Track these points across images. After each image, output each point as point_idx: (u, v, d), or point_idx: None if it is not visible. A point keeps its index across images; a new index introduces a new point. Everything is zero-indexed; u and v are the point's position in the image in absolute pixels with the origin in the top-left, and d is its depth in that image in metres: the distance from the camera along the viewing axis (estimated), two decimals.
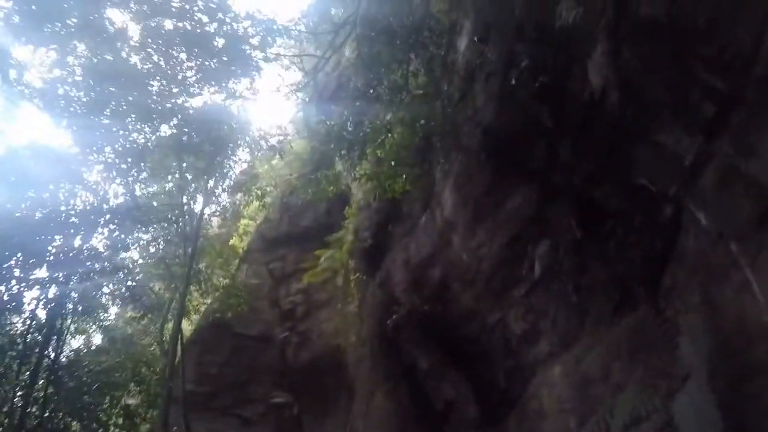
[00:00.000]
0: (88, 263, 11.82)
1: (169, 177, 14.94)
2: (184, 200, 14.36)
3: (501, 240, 7.93)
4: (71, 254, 11.35)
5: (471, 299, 8.91)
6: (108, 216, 12.04)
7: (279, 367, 13.75)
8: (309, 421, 13.08)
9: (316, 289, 13.63)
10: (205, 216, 15.40)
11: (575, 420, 7.02)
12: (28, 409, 10.28)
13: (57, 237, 11.27)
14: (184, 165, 14.29)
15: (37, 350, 10.90)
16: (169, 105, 12.47)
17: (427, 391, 11.49)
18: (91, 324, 15.00)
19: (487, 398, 10.18)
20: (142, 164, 13.34)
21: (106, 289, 15.12)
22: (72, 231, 11.44)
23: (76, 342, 12.41)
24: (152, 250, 15.72)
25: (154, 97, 12.03)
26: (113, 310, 16.86)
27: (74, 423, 10.45)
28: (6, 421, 10.24)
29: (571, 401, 7.26)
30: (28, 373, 10.66)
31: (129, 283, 13.64)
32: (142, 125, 12.79)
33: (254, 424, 13.56)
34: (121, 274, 13.34)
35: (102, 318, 15.25)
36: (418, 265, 9.49)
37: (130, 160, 12.64)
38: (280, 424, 13.43)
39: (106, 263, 12.53)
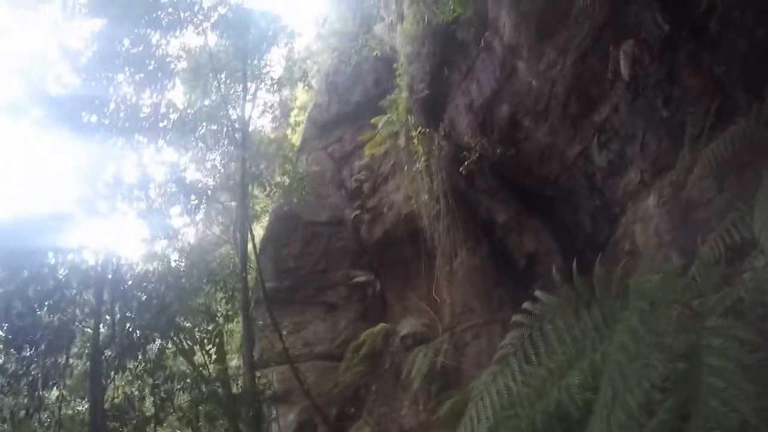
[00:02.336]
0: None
1: (208, 86, 14.67)
2: (229, 108, 14.19)
3: (575, 54, 6.92)
4: None
5: (546, 134, 8.04)
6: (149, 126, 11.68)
7: (355, 248, 13.51)
8: (392, 296, 12.94)
9: (379, 162, 13.08)
10: (254, 119, 15.09)
11: (677, 252, 6.23)
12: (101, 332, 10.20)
13: None
14: (222, 74, 14.01)
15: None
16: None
17: (508, 247, 10.97)
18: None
19: (573, 246, 9.55)
20: (174, 75, 12.88)
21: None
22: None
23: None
24: (209, 166, 15.68)
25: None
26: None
27: (155, 335, 10.40)
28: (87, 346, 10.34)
29: (671, 232, 6.47)
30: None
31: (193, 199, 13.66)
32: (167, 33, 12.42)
33: (339, 308, 13.56)
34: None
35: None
36: (482, 105, 8.63)
37: (159, 72, 12.10)
38: (364, 304, 13.38)
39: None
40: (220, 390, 11.12)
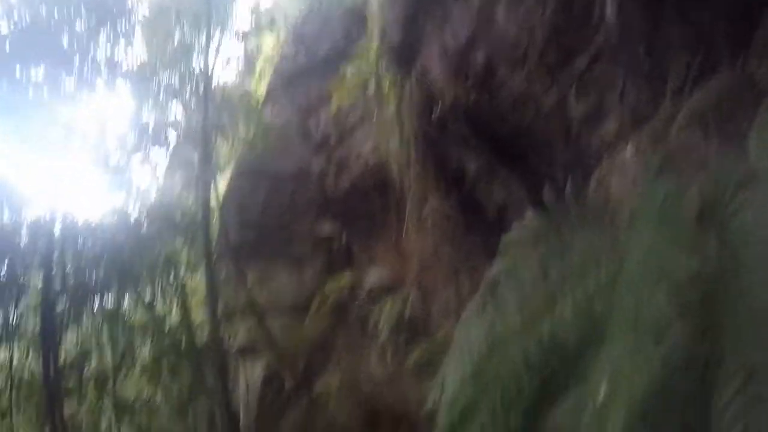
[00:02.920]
0: None
1: (170, 33, 14.11)
2: (192, 58, 13.82)
3: (556, 0, 6.79)
4: None
5: (522, 81, 7.91)
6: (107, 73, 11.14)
7: (320, 200, 13.30)
8: (358, 247, 12.84)
9: (347, 113, 12.77)
10: (218, 70, 14.68)
11: None
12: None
13: None
14: (185, 20, 13.48)
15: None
16: None
17: (478, 197, 10.94)
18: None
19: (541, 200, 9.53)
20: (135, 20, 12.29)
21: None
22: None
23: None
24: (171, 117, 15.24)
25: None
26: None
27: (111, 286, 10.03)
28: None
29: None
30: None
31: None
32: None
33: (305, 261, 13.40)
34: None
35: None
36: (457, 51, 8.43)
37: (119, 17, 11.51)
38: (330, 257, 13.25)
39: None
40: (183, 342, 10.94)
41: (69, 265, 9.92)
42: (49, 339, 9.32)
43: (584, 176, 8.36)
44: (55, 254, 9.81)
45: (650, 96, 6.59)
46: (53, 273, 9.75)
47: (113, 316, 10.12)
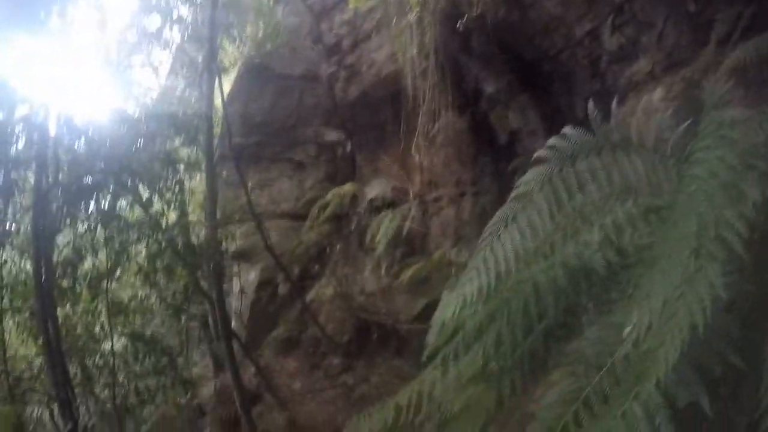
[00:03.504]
0: None
1: None
2: None
3: None
4: None
5: (557, 4, 7.48)
6: None
7: (328, 106, 12.88)
8: (363, 158, 12.56)
9: (363, 18, 12.14)
10: None
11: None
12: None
13: None
14: None
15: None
16: None
17: (491, 121, 10.64)
18: None
19: (558, 130, 9.24)
20: None
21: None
22: None
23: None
24: (174, 15, 14.52)
25: None
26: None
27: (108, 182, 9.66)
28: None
29: (673, 129, 6.19)
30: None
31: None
32: None
33: (307, 167, 13.15)
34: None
35: None
36: None
37: None
38: (333, 165, 12.99)
39: None
40: (179, 240, 10.75)
41: (64, 163, 9.52)
42: (42, 240, 9.07)
43: (605, 114, 8.06)
44: (50, 152, 9.40)
45: (690, 41, 6.25)
46: (48, 172, 9.38)
47: (108, 214, 9.76)
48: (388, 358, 10.41)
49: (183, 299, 9.88)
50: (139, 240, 9.86)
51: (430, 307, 9.72)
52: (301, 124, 13.07)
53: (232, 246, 12.42)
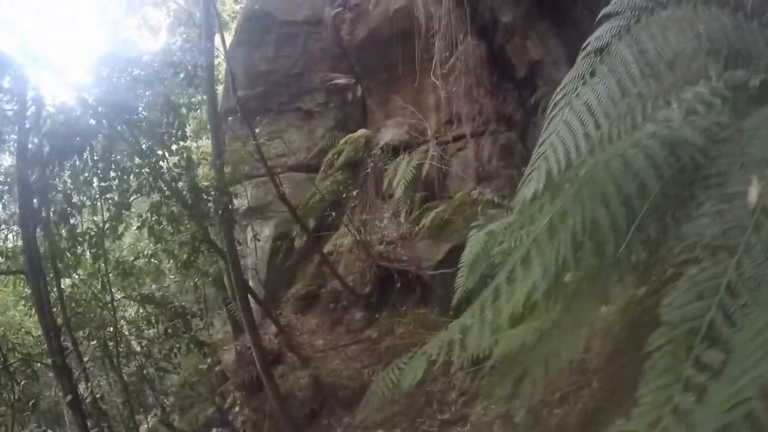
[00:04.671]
0: None
1: None
2: None
3: None
4: None
5: None
6: None
7: (334, 51, 12.24)
8: (374, 102, 11.94)
9: None
10: None
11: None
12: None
13: None
14: None
15: None
16: None
17: (508, 54, 9.99)
18: None
19: None
20: None
21: None
22: None
23: None
24: None
25: None
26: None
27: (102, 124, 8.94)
28: None
29: None
30: None
31: None
32: None
33: (316, 115, 12.56)
34: None
35: None
36: None
37: None
38: (344, 111, 12.37)
39: None
40: (187, 195, 9.94)
41: (46, 104, 8.76)
42: (26, 188, 8.40)
43: None
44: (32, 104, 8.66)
45: None
46: (37, 122, 8.68)
47: (104, 160, 8.90)
48: (412, 308, 9.94)
49: (192, 252, 9.14)
50: (139, 190, 9.04)
51: (455, 252, 9.25)
52: (307, 71, 12.44)
53: (243, 203, 11.93)
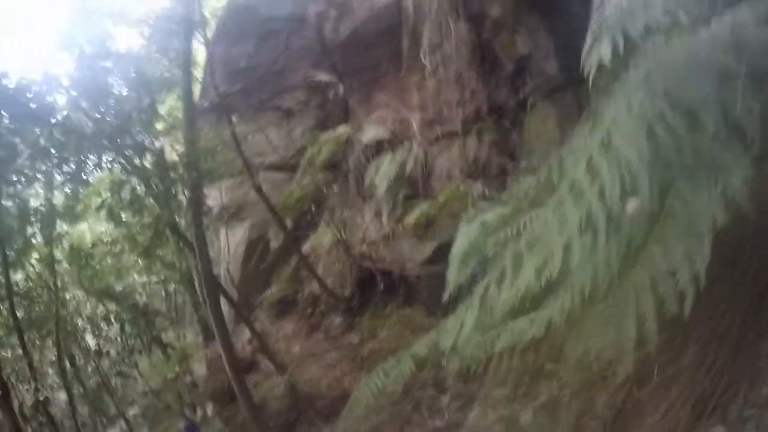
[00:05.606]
0: None
1: None
2: None
3: None
4: None
5: None
6: None
7: (317, 48, 11.89)
8: (356, 101, 11.56)
9: None
10: None
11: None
12: None
13: None
14: None
15: None
16: None
17: (495, 50, 9.71)
18: None
19: (573, 47, 8.34)
20: None
21: None
22: None
23: None
24: None
25: None
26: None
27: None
28: None
29: None
30: None
31: None
32: None
33: (296, 114, 12.17)
34: None
35: None
36: None
37: None
38: (324, 111, 12.01)
39: None
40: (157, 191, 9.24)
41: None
42: None
43: None
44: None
45: None
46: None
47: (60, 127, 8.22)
48: (396, 309, 9.46)
49: (154, 237, 8.42)
50: (99, 165, 8.28)
51: (441, 250, 8.79)
52: (288, 68, 12.07)
53: (215, 204, 11.42)
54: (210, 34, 13.19)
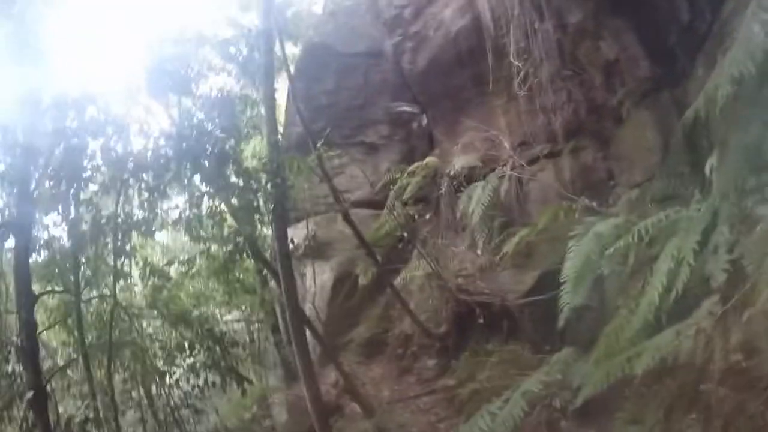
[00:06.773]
0: None
1: None
2: None
3: None
4: None
5: None
6: None
7: (396, 81, 11.72)
8: (441, 131, 11.23)
9: None
10: None
11: None
12: None
13: None
14: None
15: None
16: None
17: (580, 61, 9.19)
18: None
19: (662, 48, 7.82)
20: None
21: None
22: None
23: None
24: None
25: None
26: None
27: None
28: None
29: None
30: None
31: None
32: None
33: (380, 148, 11.92)
34: None
35: None
36: None
37: None
38: (409, 144, 11.74)
39: None
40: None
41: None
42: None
43: (713, 10, 6.73)
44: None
45: None
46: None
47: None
48: (498, 345, 8.77)
49: (234, 251, 8.02)
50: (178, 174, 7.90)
51: (545, 279, 8.14)
52: (369, 103, 11.91)
53: (302, 242, 11.14)
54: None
